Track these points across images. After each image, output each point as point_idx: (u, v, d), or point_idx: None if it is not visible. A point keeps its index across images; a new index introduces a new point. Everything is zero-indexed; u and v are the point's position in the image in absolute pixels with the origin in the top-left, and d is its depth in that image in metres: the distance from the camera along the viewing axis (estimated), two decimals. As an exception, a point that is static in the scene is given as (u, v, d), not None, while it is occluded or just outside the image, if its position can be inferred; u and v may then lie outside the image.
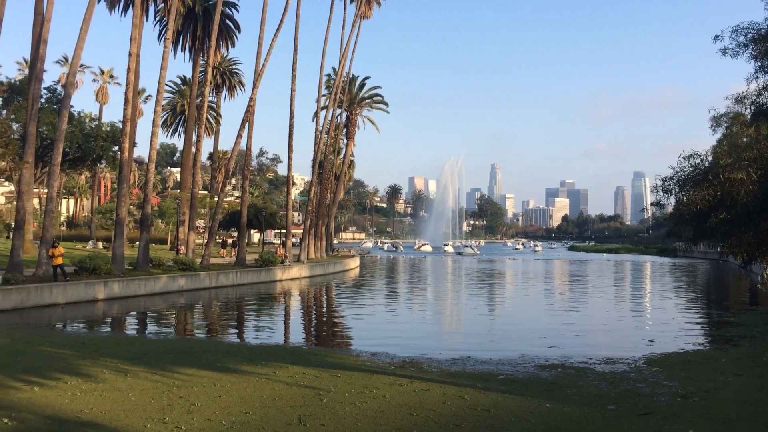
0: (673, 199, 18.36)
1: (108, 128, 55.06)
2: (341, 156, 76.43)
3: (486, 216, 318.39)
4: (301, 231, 59.13)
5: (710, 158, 18.40)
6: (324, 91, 64.80)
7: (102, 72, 78.28)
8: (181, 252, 45.37)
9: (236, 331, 23.40)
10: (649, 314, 29.76)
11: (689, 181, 17.19)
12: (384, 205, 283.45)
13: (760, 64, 18.01)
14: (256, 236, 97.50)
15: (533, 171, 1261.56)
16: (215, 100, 77.72)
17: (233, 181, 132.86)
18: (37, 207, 75.75)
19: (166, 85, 46.29)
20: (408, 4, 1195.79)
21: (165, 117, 74.03)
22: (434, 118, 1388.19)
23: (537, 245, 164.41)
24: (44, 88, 45.13)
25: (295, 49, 49.91)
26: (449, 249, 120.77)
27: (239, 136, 44.21)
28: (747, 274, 29.60)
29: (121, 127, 41.16)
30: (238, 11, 60.00)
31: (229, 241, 63.51)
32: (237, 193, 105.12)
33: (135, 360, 13.84)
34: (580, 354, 16.81)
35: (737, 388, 12.08)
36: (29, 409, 9.36)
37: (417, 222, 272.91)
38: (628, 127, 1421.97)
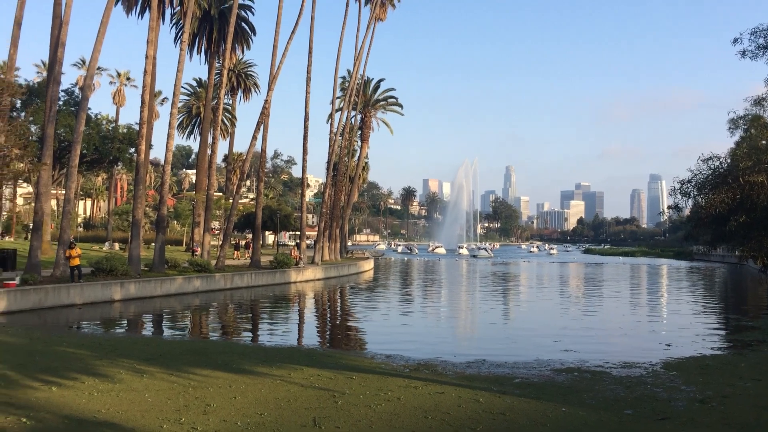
0: (691, 202, 18.19)
1: (125, 130, 55.67)
2: (355, 158, 76.55)
3: (500, 218, 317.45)
4: (316, 233, 59.30)
5: (728, 161, 18.21)
6: (338, 93, 65.02)
7: (119, 74, 79.00)
8: (197, 253, 45.64)
9: (251, 332, 23.48)
10: (665, 318, 29.49)
11: (708, 184, 17.01)
12: (398, 208, 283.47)
13: (779, 66, 17.80)
14: (270, 238, 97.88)
15: (548, 173, 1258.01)
16: (230, 103, 78.11)
17: (248, 182, 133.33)
18: (55, 208, 76.53)
19: (181, 87, 46.54)
20: (423, 4, 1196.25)
21: (181, 119, 74.45)
22: (448, 120, 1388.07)
23: (552, 248, 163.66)
24: (62, 91, 45.66)
25: (310, 52, 50.09)
26: (464, 251, 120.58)
27: (254, 138, 44.43)
28: (766, 278, 29.24)
29: (137, 129, 41.48)
30: (253, 14, 60.72)
31: (243, 242, 63.79)
32: (252, 195, 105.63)
33: (151, 361, 13.92)
34: (596, 358, 16.66)
35: (756, 393, 11.92)
36: (47, 408, 9.43)
37: (431, 224, 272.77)
38: (644, 129, 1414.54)
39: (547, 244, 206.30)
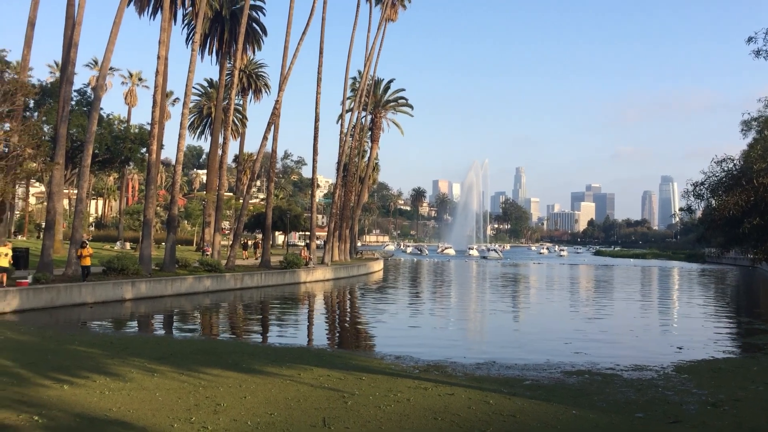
0: (703, 204, 18.04)
1: (136, 130, 55.98)
2: (365, 159, 76.55)
3: (510, 220, 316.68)
4: (325, 233, 59.36)
5: (741, 162, 18.05)
6: (349, 94, 65.05)
7: (131, 75, 79.51)
8: (207, 253, 45.80)
9: (261, 332, 23.53)
10: (677, 321, 29.29)
11: (721, 185, 16.86)
12: (408, 208, 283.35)
13: (794, 66, 17.64)
14: (280, 238, 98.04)
15: (558, 175, 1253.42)
16: (241, 103, 78.40)
17: (258, 183, 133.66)
18: (67, 208, 77.06)
19: (193, 87, 46.77)
20: (433, 4, 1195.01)
21: (192, 119, 74.86)
22: (458, 121, 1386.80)
23: (563, 250, 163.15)
24: (75, 91, 46.05)
25: (321, 53, 50.16)
26: (474, 253, 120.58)
27: (265, 138, 44.52)
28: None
29: (149, 129, 41.73)
30: (264, 14, 60.87)
31: (251, 242, 63.94)
32: (262, 195, 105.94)
33: (162, 360, 13.98)
34: (606, 360, 16.57)
35: (769, 398, 11.81)
36: (59, 406, 9.49)
37: (441, 225, 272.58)
38: (656, 131, 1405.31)
39: (557, 246, 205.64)
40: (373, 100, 71.24)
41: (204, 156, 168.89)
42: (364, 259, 66.48)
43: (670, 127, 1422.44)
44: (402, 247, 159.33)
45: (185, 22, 56.55)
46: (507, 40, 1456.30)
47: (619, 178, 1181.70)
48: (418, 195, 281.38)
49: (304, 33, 44.79)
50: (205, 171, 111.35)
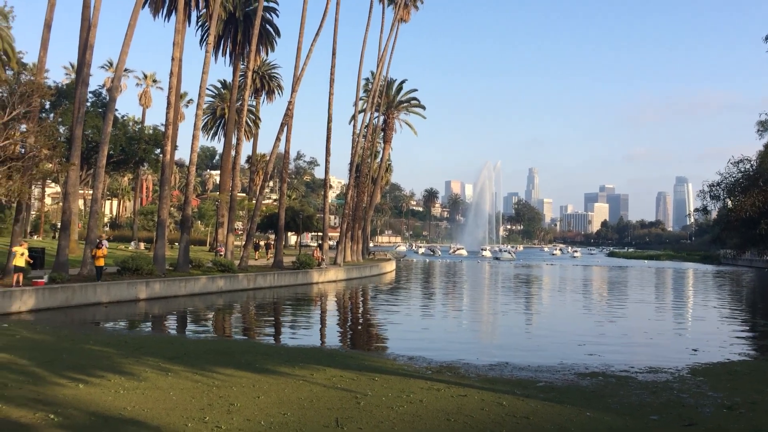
0: (719, 205, 17.90)
1: (150, 131, 56.39)
2: (378, 159, 76.56)
3: (523, 221, 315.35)
4: (338, 234, 59.46)
5: (757, 163, 17.88)
6: (361, 95, 65.06)
7: (145, 76, 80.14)
8: (221, 253, 45.99)
9: (274, 332, 23.59)
10: (692, 323, 29.03)
11: (738, 186, 16.72)
12: (420, 209, 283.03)
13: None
14: (292, 239, 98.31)
15: (572, 175, 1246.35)
16: (254, 104, 78.78)
17: (271, 183, 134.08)
18: (82, 208, 77.73)
19: (206, 89, 47.03)
20: (445, 3, 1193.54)
21: (205, 120, 75.33)
22: (471, 121, 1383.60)
23: (576, 251, 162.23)
24: (90, 92, 46.46)
25: (334, 54, 50.23)
26: (486, 254, 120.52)
27: (278, 139, 44.65)
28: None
29: (163, 130, 42.00)
30: (278, 16, 61.06)
31: (262, 243, 64.11)
32: (275, 196, 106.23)
33: (176, 359, 14.05)
34: (621, 362, 16.46)
35: (787, 401, 11.67)
36: (74, 405, 9.57)
37: (453, 226, 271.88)
38: (670, 132, 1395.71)
39: (570, 247, 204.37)
40: (386, 101, 71.23)
41: (217, 157, 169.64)
42: (377, 260, 66.46)
43: (685, 128, 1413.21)
44: (414, 247, 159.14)
45: (199, 23, 56.99)
46: (519, 41, 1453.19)
47: (634, 178, 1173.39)
48: (430, 196, 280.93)
49: (317, 34, 44.93)
50: (218, 172, 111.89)
